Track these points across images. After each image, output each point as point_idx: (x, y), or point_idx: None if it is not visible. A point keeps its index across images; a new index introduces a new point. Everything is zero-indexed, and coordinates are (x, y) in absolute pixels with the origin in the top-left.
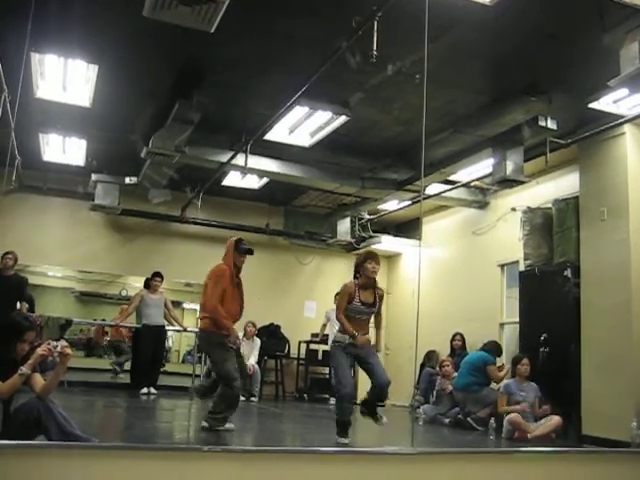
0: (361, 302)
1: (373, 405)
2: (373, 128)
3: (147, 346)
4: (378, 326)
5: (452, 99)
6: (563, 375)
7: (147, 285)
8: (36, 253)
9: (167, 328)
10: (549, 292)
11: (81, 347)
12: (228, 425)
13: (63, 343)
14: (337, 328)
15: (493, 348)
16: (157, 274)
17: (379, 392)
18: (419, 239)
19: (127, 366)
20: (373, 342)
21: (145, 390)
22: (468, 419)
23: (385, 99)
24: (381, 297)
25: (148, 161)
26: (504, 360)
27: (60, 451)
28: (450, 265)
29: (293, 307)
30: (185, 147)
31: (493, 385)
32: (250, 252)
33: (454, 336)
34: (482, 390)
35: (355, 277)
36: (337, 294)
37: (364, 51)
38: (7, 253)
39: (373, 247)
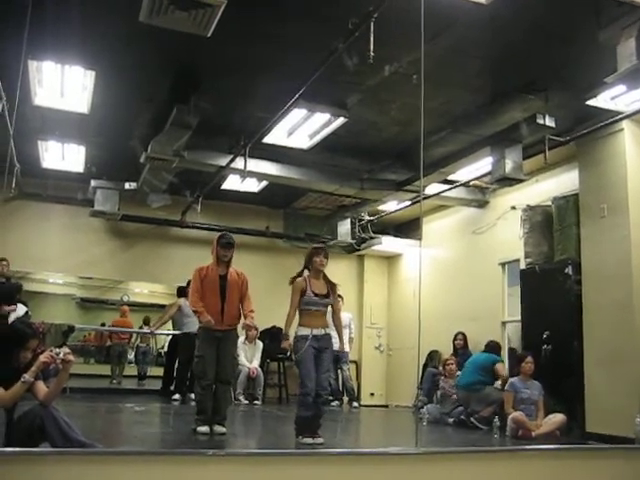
0: (314, 294)
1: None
2: (371, 129)
3: (187, 353)
4: (336, 314)
5: (450, 99)
6: (566, 372)
7: (183, 293)
8: (37, 260)
9: None
10: (550, 290)
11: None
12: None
13: (65, 350)
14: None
15: (496, 348)
16: None
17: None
18: (419, 239)
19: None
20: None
21: (177, 396)
22: (472, 419)
23: (383, 100)
24: (334, 286)
25: (147, 166)
26: (504, 357)
27: (60, 457)
28: (451, 265)
29: None
30: (184, 151)
31: (496, 384)
32: (229, 245)
33: (456, 335)
34: (485, 389)
35: (307, 268)
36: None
37: (361, 52)
38: (2, 260)
39: (375, 248)
